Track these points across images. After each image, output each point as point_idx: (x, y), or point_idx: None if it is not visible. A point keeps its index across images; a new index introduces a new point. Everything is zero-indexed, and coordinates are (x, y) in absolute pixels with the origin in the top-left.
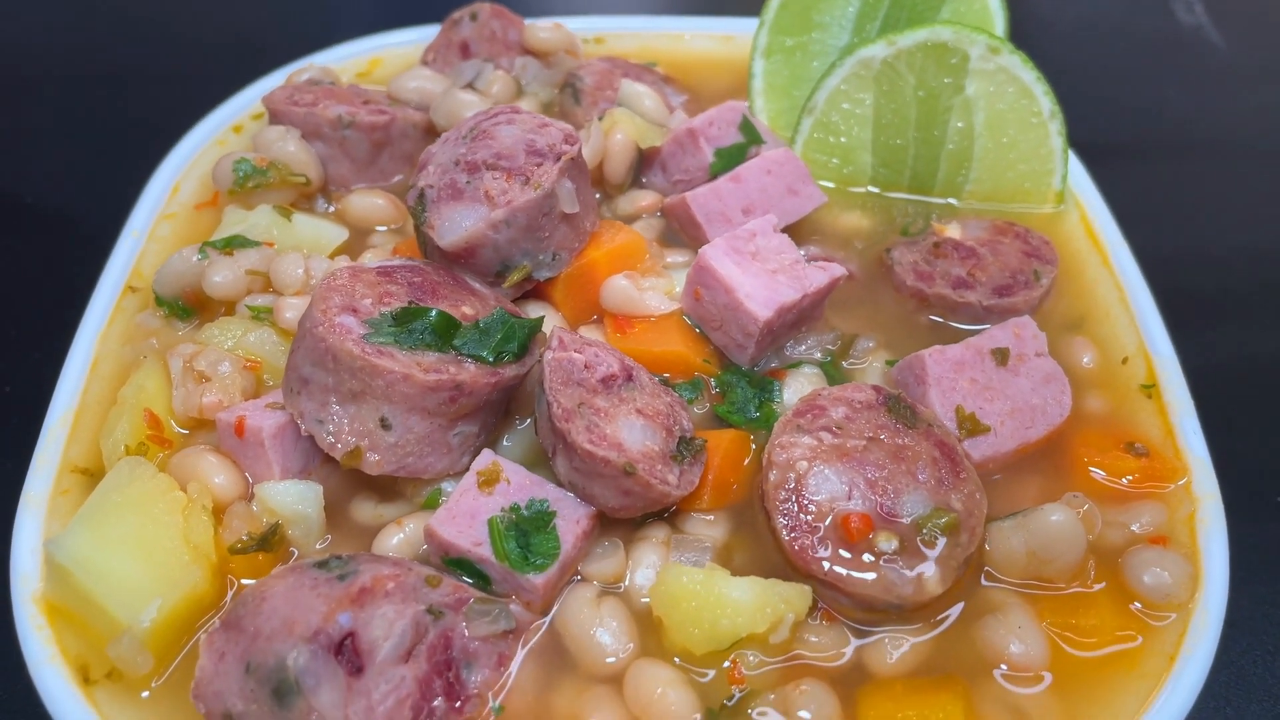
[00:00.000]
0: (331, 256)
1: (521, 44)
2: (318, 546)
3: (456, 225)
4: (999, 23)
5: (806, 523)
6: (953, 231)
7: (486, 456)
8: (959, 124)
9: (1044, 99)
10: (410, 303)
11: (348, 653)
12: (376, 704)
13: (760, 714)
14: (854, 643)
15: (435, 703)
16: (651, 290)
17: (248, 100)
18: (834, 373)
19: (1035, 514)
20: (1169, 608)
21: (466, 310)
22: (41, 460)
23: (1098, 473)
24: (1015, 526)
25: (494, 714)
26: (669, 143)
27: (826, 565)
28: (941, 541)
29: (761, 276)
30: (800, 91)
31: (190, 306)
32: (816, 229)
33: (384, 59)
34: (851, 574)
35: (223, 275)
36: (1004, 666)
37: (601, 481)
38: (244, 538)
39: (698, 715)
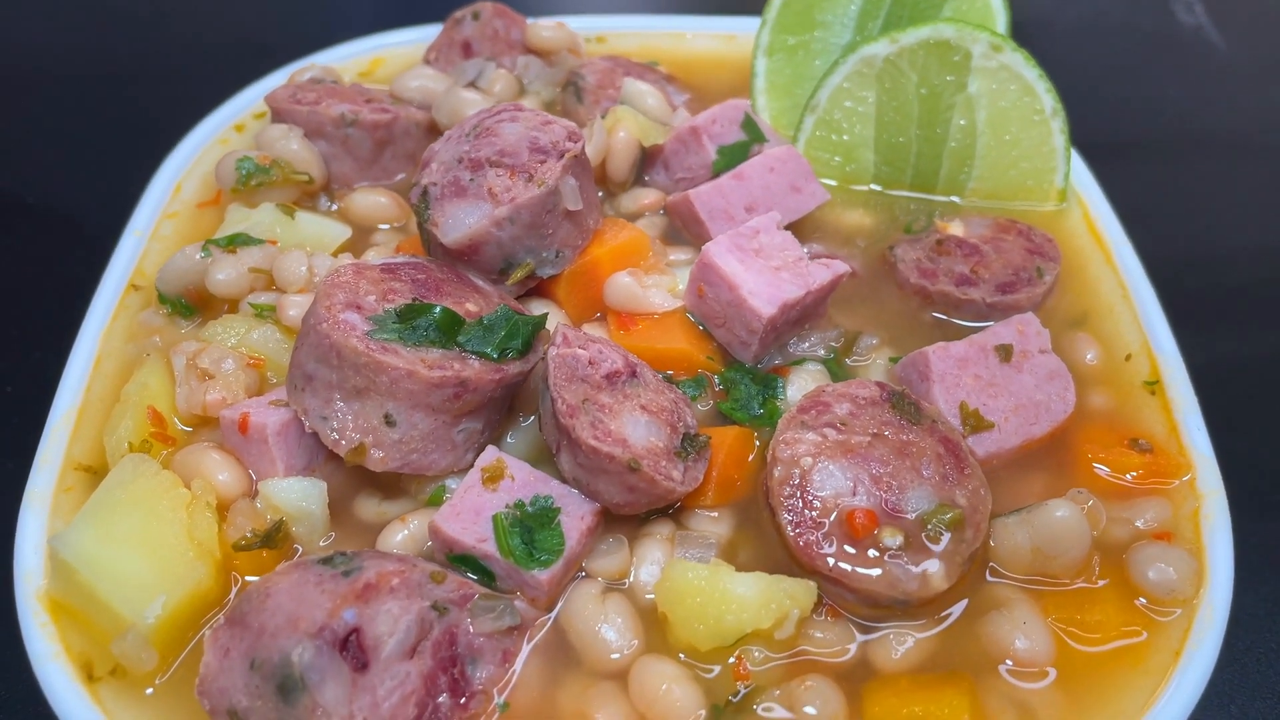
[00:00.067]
0: (334, 254)
1: (524, 43)
2: (322, 544)
3: (460, 222)
4: (1001, 21)
5: (811, 519)
6: (955, 229)
7: (491, 453)
8: (961, 122)
9: (1046, 97)
10: (414, 299)
11: (353, 649)
12: (382, 700)
13: (766, 710)
14: (859, 639)
15: (440, 699)
16: (655, 287)
17: (250, 99)
18: (837, 370)
19: (1040, 510)
20: (1174, 603)
21: (470, 307)
22: (45, 458)
23: (1102, 469)
24: (1020, 522)
25: (499, 710)
26: (672, 140)
27: (831, 561)
28: (946, 537)
29: (765, 274)
30: (802, 90)
31: (193, 304)
32: (819, 227)
33: (386, 58)
34: (856, 570)
35: (226, 273)
36: (1009, 662)
37: (606, 478)
38: (248, 535)
39: (703, 711)
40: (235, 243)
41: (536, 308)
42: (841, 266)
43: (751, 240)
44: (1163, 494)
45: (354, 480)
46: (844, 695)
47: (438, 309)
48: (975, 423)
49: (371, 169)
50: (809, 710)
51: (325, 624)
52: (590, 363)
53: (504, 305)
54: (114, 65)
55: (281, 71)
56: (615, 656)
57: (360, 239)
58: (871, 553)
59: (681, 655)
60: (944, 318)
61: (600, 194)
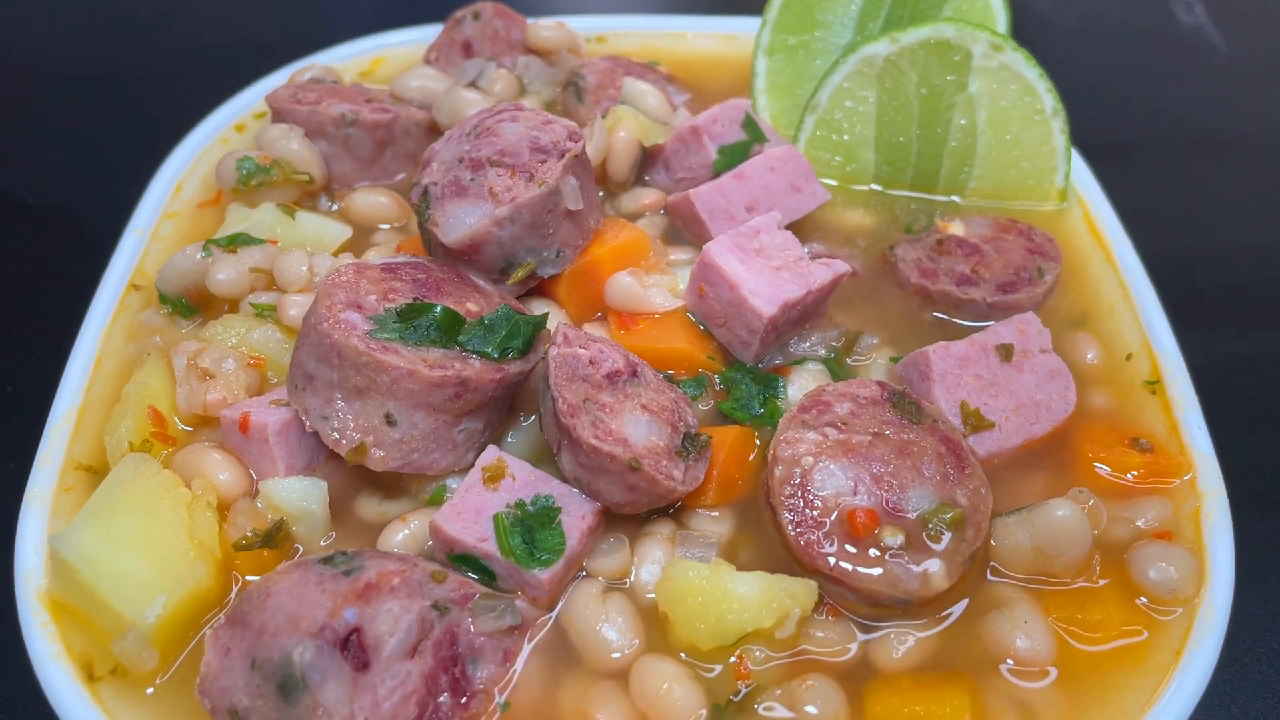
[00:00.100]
0: (335, 254)
1: (524, 43)
2: (322, 543)
3: (461, 222)
4: (1001, 20)
5: (812, 518)
6: (956, 229)
7: (492, 452)
8: (962, 121)
9: (1046, 96)
10: (415, 299)
11: (353, 648)
12: (382, 699)
13: (767, 709)
14: (860, 638)
15: (441, 698)
16: (655, 287)
17: (250, 99)
18: (838, 369)
19: (1041, 509)
20: (1175, 603)
21: (471, 307)
22: (45, 457)
23: (1102, 468)
24: (1021, 522)
25: (500, 709)
26: (672, 140)
27: (832, 561)
28: (947, 536)
29: (766, 273)
30: (803, 90)
31: (193, 304)
32: (819, 227)
33: (386, 58)
34: (857, 569)
35: (226, 273)
36: (1010, 661)
37: (607, 477)
38: (248, 534)
39: (704, 710)
40: (236, 242)
41: (537, 307)
42: (842, 266)
43: (752, 240)
44: (1163, 493)
45: (355, 480)
46: (845, 694)
47: (438, 308)
48: (976, 422)
49: (372, 169)
50: (810, 709)
51: (326, 623)
52: (591, 362)
53: (505, 305)
54: (115, 65)
55: (282, 71)
56: (616, 656)
57: (361, 239)
58: (872, 552)
59: (682, 655)
60: (945, 317)
61: (601, 194)
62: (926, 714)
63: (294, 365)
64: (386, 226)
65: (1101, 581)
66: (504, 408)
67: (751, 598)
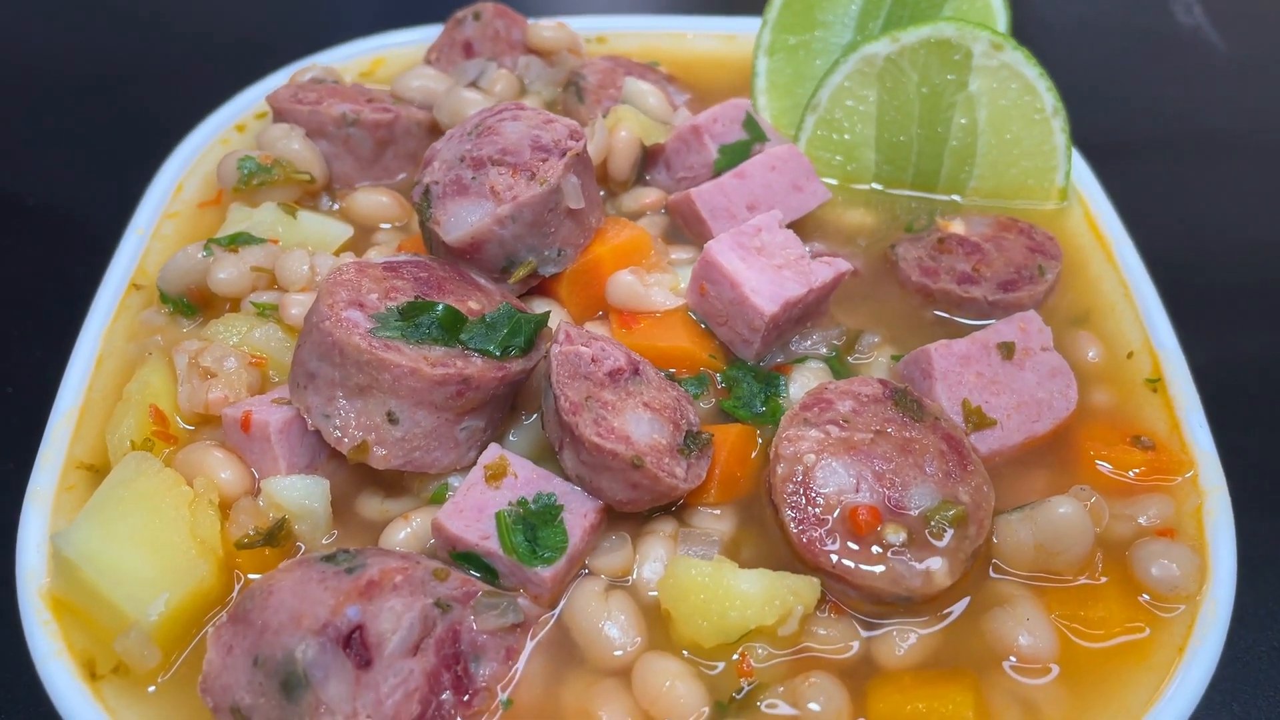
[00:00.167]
0: (336, 254)
1: (525, 43)
2: (324, 542)
3: (462, 221)
4: (1001, 20)
5: (814, 515)
6: (957, 227)
7: (494, 450)
8: (962, 120)
9: (1047, 95)
10: (416, 297)
11: (356, 646)
12: (385, 697)
13: (769, 706)
14: (863, 635)
15: (443, 696)
16: (657, 286)
17: (251, 99)
18: (840, 368)
19: (1043, 506)
20: (1177, 599)
21: (473, 305)
22: (46, 456)
23: (1104, 466)
24: (1023, 519)
25: (502, 707)
26: (673, 140)
27: (835, 558)
28: (949, 534)
29: (767, 272)
30: (803, 89)
31: (195, 304)
32: (820, 226)
33: (387, 59)
34: (860, 566)
35: (228, 272)
36: (1013, 658)
37: (609, 475)
38: (250, 532)
39: (706, 708)
40: (237, 242)
41: (538, 306)
42: (843, 264)
43: (753, 238)
44: (1165, 491)
45: (356, 478)
46: (848, 692)
47: (440, 307)
48: (978, 420)
49: (373, 168)
50: (813, 707)
51: (328, 621)
52: (593, 360)
53: (506, 303)
54: (116, 65)
55: (283, 72)
56: (618, 654)
57: (362, 238)
58: (875, 549)
59: (685, 652)
60: (946, 316)
61: (602, 193)
62: (929, 711)
63: (296, 364)
64: (387, 226)
65: (1103, 579)
66: (506, 406)
67: (754, 595)
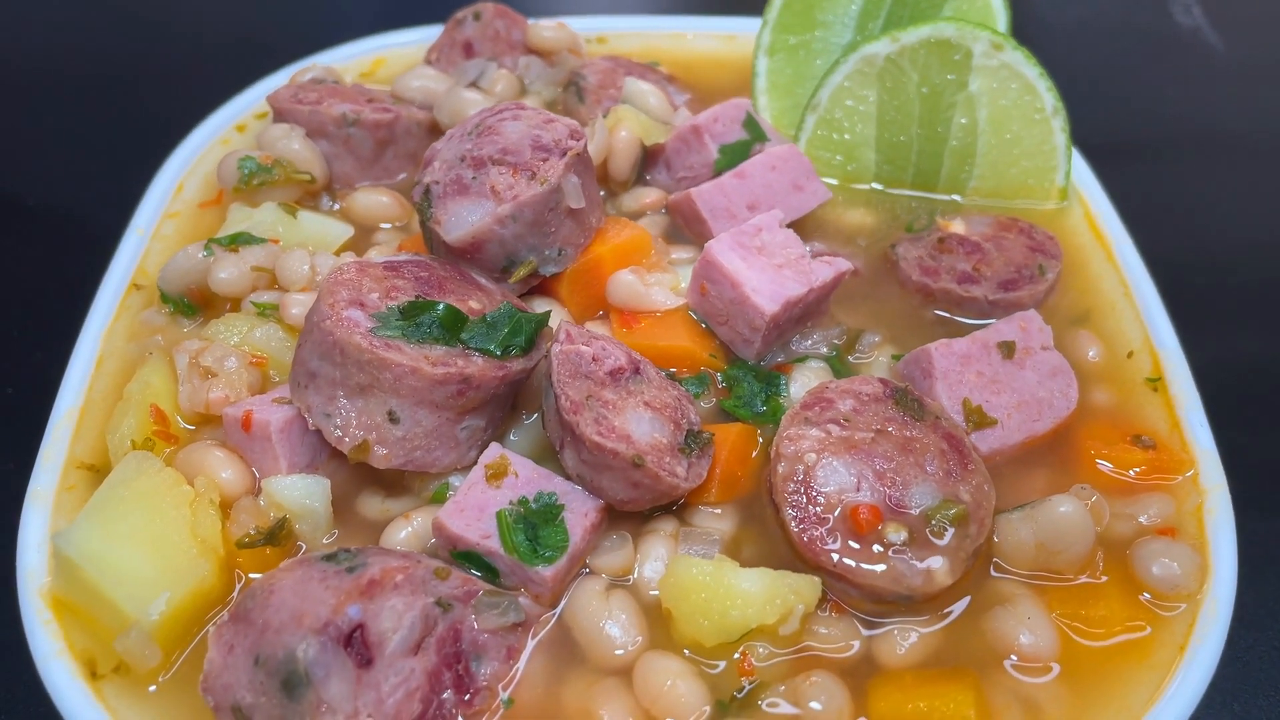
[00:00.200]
0: (336, 254)
1: (525, 43)
2: (325, 541)
3: (463, 220)
4: (1001, 20)
5: (815, 514)
6: (957, 227)
7: (494, 450)
8: (962, 120)
9: (1047, 95)
10: (417, 297)
11: (357, 644)
12: (386, 696)
13: (771, 705)
14: (864, 634)
15: (444, 695)
16: (657, 285)
17: (251, 100)
18: (840, 367)
19: (1044, 505)
20: (1178, 598)
21: (473, 305)
22: (47, 456)
23: (1105, 465)
24: (1024, 518)
25: (503, 706)
26: (673, 139)
27: (836, 557)
28: (950, 533)
29: (768, 271)
30: (803, 89)
31: (195, 303)
32: (821, 226)
33: (387, 59)
34: (861, 565)
35: (228, 272)
36: (1014, 657)
37: (610, 474)
38: (251, 532)
39: (707, 707)
40: (237, 241)
41: (539, 306)
42: (844, 264)
43: (754, 238)
44: (1166, 490)
45: (357, 478)
46: (849, 691)
47: (441, 306)
48: (978, 419)
49: (373, 168)
50: (814, 706)
51: (330, 620)
52: (594, 359)
53: (507, 303)
54: (116, 66)
55: (283, 72)
56: (620, 653)
57: (362, 238)
58: (876, 548)
59: (686, 651)
60: (946, 315)
61: (602, 193)
62: (930, 710)
63: (297, 363)
64: (388, 226)
65: (1104, 578)
66: (507, 405)
67: (755, 594)
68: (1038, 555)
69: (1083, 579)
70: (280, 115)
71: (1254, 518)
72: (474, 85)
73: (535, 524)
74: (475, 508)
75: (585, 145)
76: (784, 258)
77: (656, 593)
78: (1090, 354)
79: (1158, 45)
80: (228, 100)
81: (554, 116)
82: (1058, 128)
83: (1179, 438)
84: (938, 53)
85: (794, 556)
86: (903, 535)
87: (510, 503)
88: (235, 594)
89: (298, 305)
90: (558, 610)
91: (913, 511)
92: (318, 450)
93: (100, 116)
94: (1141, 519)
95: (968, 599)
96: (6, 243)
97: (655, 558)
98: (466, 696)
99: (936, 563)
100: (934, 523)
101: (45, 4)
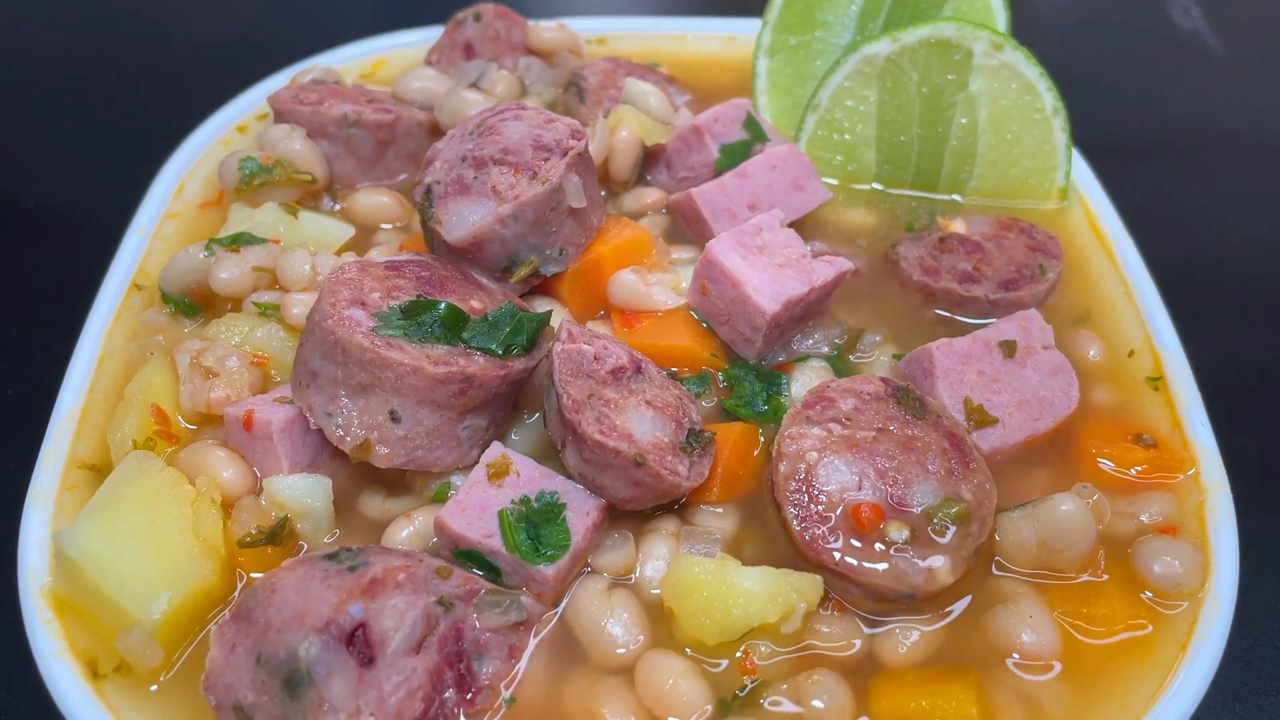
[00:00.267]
0: (337, 254)
1: (525, 44)
2: (326, 540)
3: (464, 220)
4: (1001, 20)
5: (817, 513)
6: (958, 227)
7: (496, 449)
8: (963, 120)
9: (1047, 95)
10: (419, 296)
11: (359, 643)
12: (388, 695)
13: (773, 704)
14: (865, 633)
15: (446, 694)
16: (658, 285)
17: (252, 101)
18: (841, 367)
19: (1045, 504)
20: (1180, 596)
21: (475, 304)
22: (48, 456)
23: (1106, 464)
24: (1025, 517)
25: (505, 705)
26: (674, 140)
27: (837, 555)
28: (952, 531)
29: (768, 271)
30: (804, 90)
31: (196, 304)
32: (821, 226)
33: (388, 60)
34: (863, 564)
35: (229, 272)
36: (1015, 655)
37: (612, 473)
38: (253, 531)
39: (709, 706)
40: (238, 242)
41: (540, 305)
42: (845, 263)
43: (755, 238)
44: (1167, 488)
45: (359, 477)
46: (851, 689)
47: (442, 305)
48: (979, 418)
49: (374, 169)
50: (816, 704)
51: (331, 619)
52: (595, 358)
53: (508, 302)
54: (117, 67)
55: (283, 73)
56: (621, 651)
57: (363, 238)
58: (877, 547)
59: (688, 650)
60: (947, 315)
61: (603, 193)
62: (932, 708)
63: (298, 362)
64: (389, 226)
65: (1106, 576)
66: (508, 404)
67: (757, 593)
68: (1039, 554)
69: (1084, 577)
70: (281, 116)
71: (1255, 516)
72: (474, 86)
73: (537, 523)
74: (477, 507)
75: (586, 145)
76: (785, 257)
77: (658, 591)
78: (1091, 353)
79: (1157, 46)
80: (229, 101)
81: (555, 116)
82: (1058, 127)
83: (1180, 436)
84: (938, 53)
85: (796, 555)
86: (904, 534)
87: (512, 502)
88: (237, 593)
89: (299, 305)
90: (559, 609)
91: (914, 510)
92: (319, 450)
93: (101, 117)
94: (1143, 517)
95: (969, 597)
96: (7, 243)
97: (657, 556)
98: (468, 695)
99: (938, 561)
100: (936, 521)
101: (45, 4)
